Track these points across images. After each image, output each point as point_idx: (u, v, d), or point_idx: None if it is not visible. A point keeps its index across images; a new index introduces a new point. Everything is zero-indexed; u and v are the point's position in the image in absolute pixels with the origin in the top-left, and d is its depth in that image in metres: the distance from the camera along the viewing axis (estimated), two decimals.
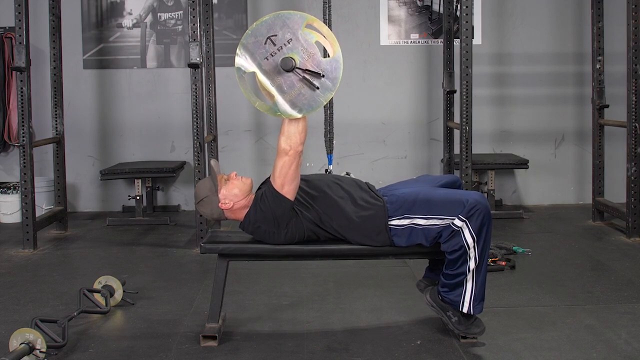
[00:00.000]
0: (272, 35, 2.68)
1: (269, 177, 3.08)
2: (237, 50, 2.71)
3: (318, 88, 2.70)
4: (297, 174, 2.84)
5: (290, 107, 2.72)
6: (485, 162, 5.81)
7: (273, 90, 2.70)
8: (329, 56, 2.73)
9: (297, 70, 2.68)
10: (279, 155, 2.81)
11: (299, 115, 2.74)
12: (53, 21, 5.36)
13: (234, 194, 2.97)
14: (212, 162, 3.05)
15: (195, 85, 4.65)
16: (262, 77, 2.71)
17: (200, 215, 4.58)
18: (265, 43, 2.68)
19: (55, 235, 5.32)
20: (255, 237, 3.01)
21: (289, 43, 2.68)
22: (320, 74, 2.69)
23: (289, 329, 3.18)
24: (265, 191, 2.90)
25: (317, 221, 2.92)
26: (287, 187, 2.84)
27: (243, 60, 2.71)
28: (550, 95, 6.34)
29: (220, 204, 2.98)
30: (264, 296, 3.65)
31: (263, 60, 2.69)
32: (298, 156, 2.80)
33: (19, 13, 4.69)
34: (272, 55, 2.69)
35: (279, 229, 2.91)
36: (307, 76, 2.67)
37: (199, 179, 4.61)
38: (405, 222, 2.88)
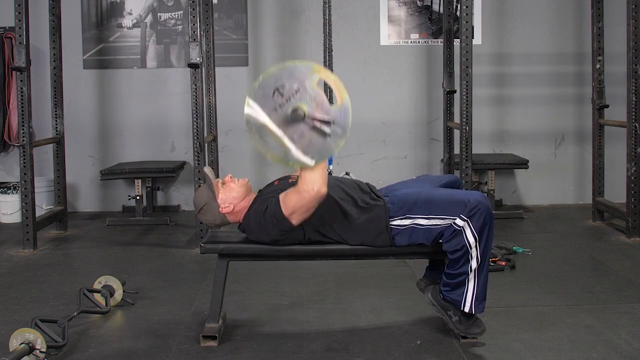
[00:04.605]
0: (280, 87, 2.65)
1: (274, 184, 3.05)
2: (246, 102, 2.69)
3: (329, 135, 2.66)
4: (312, 210, 2.78)
5: (302, 155, 2.67)
6: (485, 162, 5.81)
7: (285, 141, 2.66)
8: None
9: (306, 119, 2.65)
10: (300, 193, 2.72)
11: (312, 163, 2.68)
12: (53, 21, 5.36)
13: (232, 196, 2.97)
14: (206, 169, 3.02)
15: (195, 85, 4.65)
16: (273, 129, 2.68)
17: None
18: (273, 95, 2.66)
19: (55, 235, 5.32)
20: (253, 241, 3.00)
21: (296, 93, 2.65)
22: (330, 121, 2.64)
23: (289, 329, 3.17)
24: (270, 206, 2.83)
25: (318, 226, 2.91)
26: (296, 216, 2.79)
27: (252, 113, 2.68)
28: (550, 95, 6.34)
29: (220, 209, 2.97)
30: (264, 296, 3.65)
31: (272, 112, 2.66)
32: (320, 198, 2.73)
33: (19, 13, 4.69)
34: (281, 107, 2.65)
35: (277, 241, 2.91)
36: (317, 124, 2.64)
37: (199, 179, 4.61)
38: (407, 222, 2.88)
